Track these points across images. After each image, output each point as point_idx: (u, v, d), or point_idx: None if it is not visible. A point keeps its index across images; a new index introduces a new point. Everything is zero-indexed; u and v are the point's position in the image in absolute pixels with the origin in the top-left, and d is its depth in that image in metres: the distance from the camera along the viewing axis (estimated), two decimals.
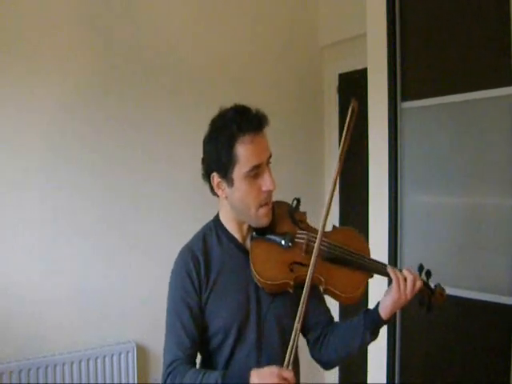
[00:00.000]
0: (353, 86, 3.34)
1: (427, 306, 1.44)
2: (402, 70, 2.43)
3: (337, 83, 3.50)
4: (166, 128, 2.97)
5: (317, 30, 3.52)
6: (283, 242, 1.42)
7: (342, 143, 1.39)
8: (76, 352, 2.66)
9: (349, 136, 1.39)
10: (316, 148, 3.58)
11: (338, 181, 1.41)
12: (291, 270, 1.38)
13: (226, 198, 1.42)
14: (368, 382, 2.62)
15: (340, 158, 1.40)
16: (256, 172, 1.36)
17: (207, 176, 1.43)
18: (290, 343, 1.28)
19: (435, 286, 1.47)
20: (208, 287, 1.40)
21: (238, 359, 1.41)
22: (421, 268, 1.45)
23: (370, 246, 1.52)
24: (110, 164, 2.82)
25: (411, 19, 2.42)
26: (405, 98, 2.43)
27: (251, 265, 1.38)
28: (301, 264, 1.39)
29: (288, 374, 1.23)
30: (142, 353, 2.85)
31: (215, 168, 1.39)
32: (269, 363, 1.36)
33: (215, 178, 1.40)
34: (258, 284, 1.39)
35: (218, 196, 1.45)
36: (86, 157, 2.75)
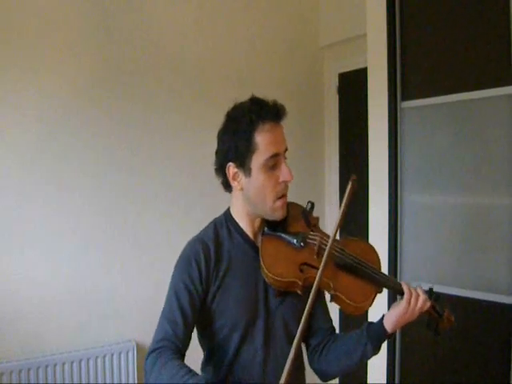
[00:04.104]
0: (353, 86, 3.34)
1: (435, 330, 1.43)
2: (402, 70, 2.43)
3: (337, 83, 3.50)
4: (167, 128, 2.96)
5: (317, 30, 3.52)
6: (295, 241, 1.38)
7: (340, 215, 1.38)
8: (76, 352, 2.66)
9: (346, 209, 1.38)
10: (316, 148, 3.58)
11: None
12: (301, 271, 1.34)
13: (242, 189, 1.38)
14: (368, 382, 2.62)
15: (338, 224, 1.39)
16: (274, 162, 1.35)
17: (221, 168, 1.39)
18: (292, 351, 1.22)
19: (443, 310, 1.43)
20: (217, 279, 1.36)
21: (243, 359, 1.38)
22: (431, 292, 1.43)
23: None
24: (110, 164, 2.81)
25: (411, 19, 2.43)
26: (405, 98, 2.44)
27: (260, 259, 1.35)
28: (311, 266, 1.35)
29: None
30: (141, 352, 2.84)
31: (232, 158, 1.35)
32: (275, 366, 1.36)
33: (231, 168, 1.36)
34: (266, 279, 1.35)
35: (230, 192, 1.43)
36: (87, 157, 2.74)
